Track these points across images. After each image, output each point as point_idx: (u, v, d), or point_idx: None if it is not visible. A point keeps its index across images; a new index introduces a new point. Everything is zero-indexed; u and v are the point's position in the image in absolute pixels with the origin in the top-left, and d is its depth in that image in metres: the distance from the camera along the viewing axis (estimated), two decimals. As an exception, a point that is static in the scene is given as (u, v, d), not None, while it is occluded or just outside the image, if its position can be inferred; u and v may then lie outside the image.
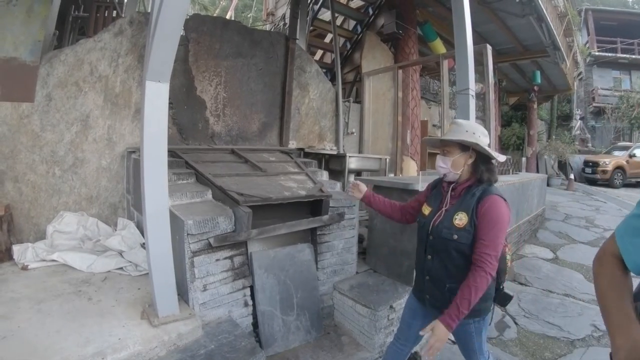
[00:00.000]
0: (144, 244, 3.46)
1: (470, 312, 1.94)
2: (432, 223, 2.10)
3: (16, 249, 3.39)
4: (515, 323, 3.90)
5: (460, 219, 1.97)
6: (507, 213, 1.97)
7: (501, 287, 2.15)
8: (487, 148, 2.03)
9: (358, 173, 5.48)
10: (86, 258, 3.33)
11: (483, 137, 2.05)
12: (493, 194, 1.97)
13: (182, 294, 2.73)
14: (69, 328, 2.36)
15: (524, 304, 4.29)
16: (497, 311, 4.06)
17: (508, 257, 2.12)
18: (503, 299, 2.17)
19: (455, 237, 1.96)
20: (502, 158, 2.14)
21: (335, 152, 5.73)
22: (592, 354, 3.40)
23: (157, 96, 2.33)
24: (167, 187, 2.47)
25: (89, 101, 4.03)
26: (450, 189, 2.12)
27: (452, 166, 2.06)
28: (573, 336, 3.66)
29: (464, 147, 2.05)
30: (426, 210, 2.21)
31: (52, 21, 4.01)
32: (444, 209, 2.09)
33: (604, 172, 14.92)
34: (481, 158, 2.06)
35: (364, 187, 2.61)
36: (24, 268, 3.22)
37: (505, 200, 1.99)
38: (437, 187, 2.26)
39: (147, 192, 2.36)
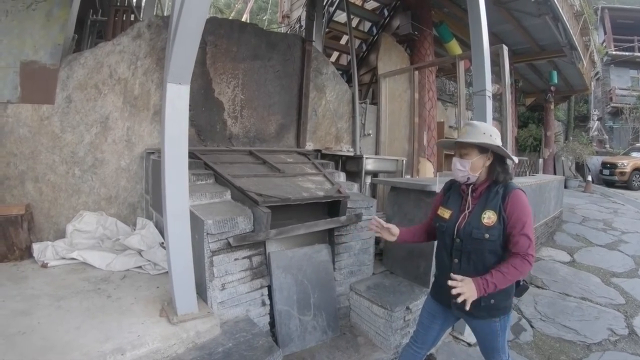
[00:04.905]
0: (162, 243, 3.51)
1: (497, 310, 2.02)
2: (457, 226, 2.09)
3: (36, 247, 3.46)
4: (532, 326, 3.87)
5: (489, 217, 1.98)
6: (529, 204, 2.01)
7: (521, 280, 2.16)
8: (505, 150, 2.06)
9: (374, 174, 5.47)
10: (105, 256, 3.39)
11: (498, 138, 2.08)
12: (515, 189, 2.02)
13: (201, 293, 2.76)
14: (88, 324, 2.40)
15: (540, 307, 4.24)
16: (514, 314, 4.02)
17: None
18: (521, 291, 2.18)
19: (487, 235, 1.97)
20: (516, 160, 2.17)
21: (352, 154, 5.71)
22: (609, 358, 3.37)
23: (177, 98, 2.36)
24: (188, 187, 2.50)
25: (108, 103, 4.09)
26: (470, 190, 2.11)
27: (470, 169, 2.06)
28: (589, 340, 3.62)
29: (482, 149, 2.05)
30: (445, 213, 2.18)
31: (71, 25, 4.06)
32: (467, 210, 2.09)
33: (622, 173, 14.63)
34: (497, 159, 2.08)
35: (396, 230, 2.33)
36: (44, 266, 3.29)
37: (525, 192, 2.04)
38: (453, 189, 2.25)
39: (168, 192, 2.39)
